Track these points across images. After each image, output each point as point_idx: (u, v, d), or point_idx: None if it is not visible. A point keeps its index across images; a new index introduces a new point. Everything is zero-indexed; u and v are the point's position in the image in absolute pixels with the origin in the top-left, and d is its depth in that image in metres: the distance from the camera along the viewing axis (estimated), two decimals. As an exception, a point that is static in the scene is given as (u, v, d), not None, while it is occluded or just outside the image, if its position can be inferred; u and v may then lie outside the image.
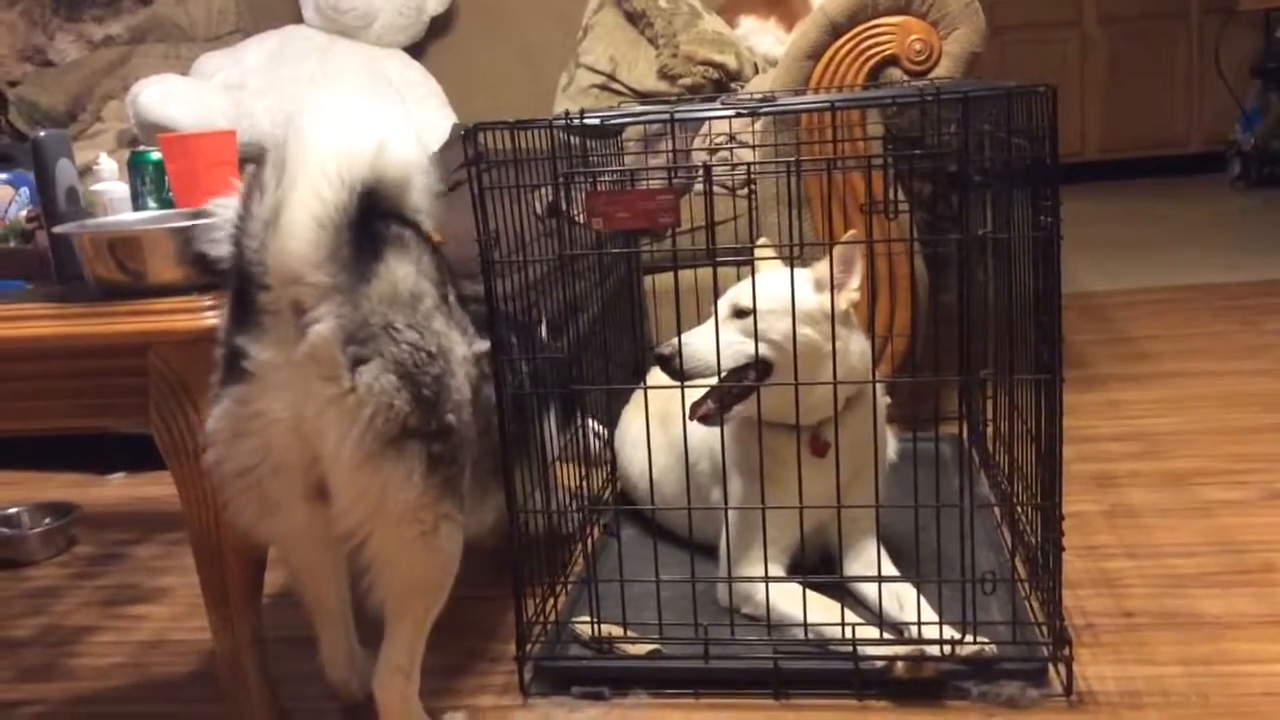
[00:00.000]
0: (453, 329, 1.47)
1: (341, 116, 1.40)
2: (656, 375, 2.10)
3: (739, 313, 1.71)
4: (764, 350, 1.69)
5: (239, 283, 1.37)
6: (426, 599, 1.50)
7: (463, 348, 1.49)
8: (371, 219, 1.37)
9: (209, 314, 1.45)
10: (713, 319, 1.73)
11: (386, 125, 1.42)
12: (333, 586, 1.63)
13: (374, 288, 1.36)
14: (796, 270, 1.70)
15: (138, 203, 2.04)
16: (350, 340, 1.34)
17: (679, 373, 1.69)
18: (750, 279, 1.71)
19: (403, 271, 1.40)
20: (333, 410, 1.35)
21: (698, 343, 1.69)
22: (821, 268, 1.70)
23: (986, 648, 1.56)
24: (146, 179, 2.05)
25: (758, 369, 1.70)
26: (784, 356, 1.66)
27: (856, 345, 1.74)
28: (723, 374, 1.70)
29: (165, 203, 2.01)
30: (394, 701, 1.51)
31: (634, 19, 3.05)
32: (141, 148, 2.12)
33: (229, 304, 1.40)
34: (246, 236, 1.34)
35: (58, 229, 1.60)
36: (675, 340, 1.70)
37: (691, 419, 1.75)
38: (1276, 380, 2.77)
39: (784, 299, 1.64)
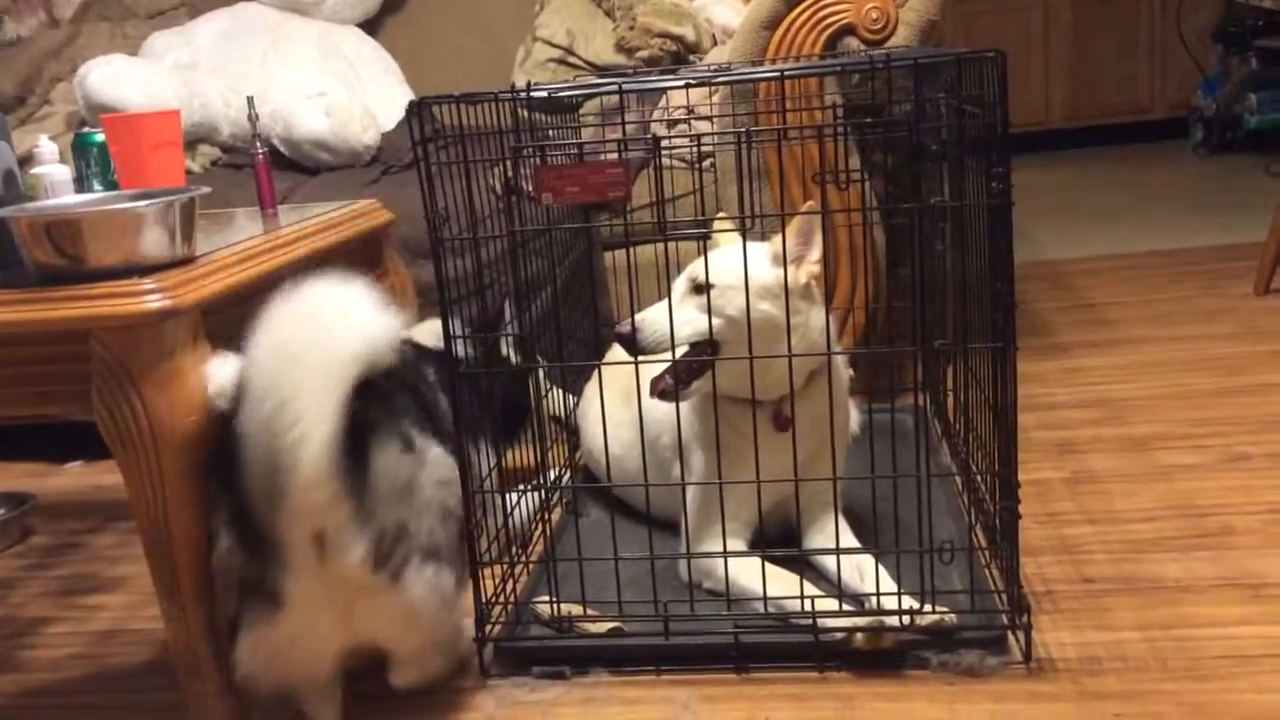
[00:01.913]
0: (436, 467, 1.51)
1: (317, 311, 1.36)
2: (617, 352, 2.09)
3: (697, 288, 1.69)
4: (720, 325, 1.67)
5: (240, 521, 1.38)
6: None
7: (447, 471, 1.55)
8: (353, 418, 1.35)
9: (151, 298, 1.42)
10: (672, 295, 1.71)
11: (356, 303, 1.39)
12: (333, 685, 1.58)
13: (376, 497, 1.39)
14: (755, 244, 1.69)
15: (83, 185, 2.01)
16: (385, 557, 1.40)
17: (638, 350, 1.68)
18: (710, 254, 1.69)
19: (389, 462, 1.43)
20: (393, 617, 1.45)
21: (657, 319, 1.68)
22: (779, 241, 1.69)
23: (946, 617, 1.56)
24: (91, 161, 2.02)
25: (712, 345, 1.69)
26: (741, 332, 1.65)
27: (817, 320, 1.73)
28: (680, 350, 1.68)
29: (111, 185, 1.98)
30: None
31: (590, -9, 3.02)
32: (86, 130, 2.08)
33: (227, 526, 1.41)
34: (248, 481, 1.34)
35: (-6, 214, 1.56)
36: (634, 318, 1.69)
37: (651, 395, 1.73)
38: (1237, 344, 2.78)
39: (741, 274, 1.62)
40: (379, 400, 1.43)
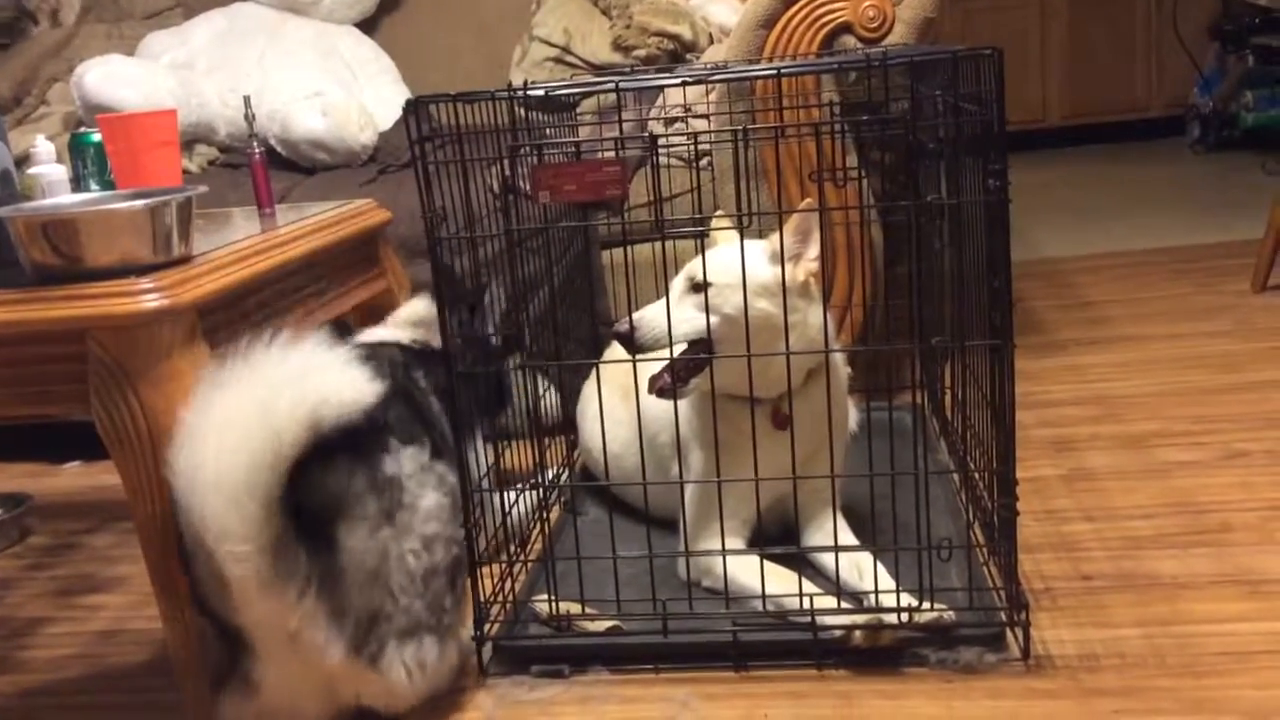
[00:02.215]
0: (424, 523, 1.47)
1: (221, 419, 1.29)
2: (615, 350, 2.09)
3: (695, 286, 1.69)
4: (717, 323, 1.67)
5: (212, 620, 1.40)
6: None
7: (434, 519, 1.50)
8: (306, 504, 1.33)
9: (147, 297, 1.42)
10: (671, 293, 1.72)
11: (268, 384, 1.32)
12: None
13: (348, 581, 1.37)
14: (752, 242, 1.69)
15: (80, 185, 2.01)
16: (361, 646, 1.39)
17: (636, 348, 1.68)
18: (708, 252, 1.70)
19: (358, 541, 1.40)
20: (377, 694, 1.45)
21: (655, 318, 1.68)
22: (777, 239, 1.69)
23: (944, 614, 1.56)
24: (88, 161, 2.02)
25: (709, 342, 1.69)
26: (739, 330, 1.64)
27: (815, 318, 1.73)
28: (679, 348, 1.68)
29: (107, 185, 1.98)
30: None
31: (587, -10, 3.02)
32: (82, 130, 2.08)
33: (208, 625, 1.42)
34: (210, 595, 1.36)
35: (-9, 213, 1.56)
36: (632, 316, 1.69)
37: (649, 393, 1.73)
38: (1234, 341, 2.78)
39: (739, 272, 1.62)
40: (340, 477, 1.38)
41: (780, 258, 1.66)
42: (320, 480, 1.35)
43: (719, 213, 1.92)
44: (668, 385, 1.71)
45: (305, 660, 1.38)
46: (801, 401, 1.74)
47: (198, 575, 1.35)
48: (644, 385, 1.73)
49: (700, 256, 1.70)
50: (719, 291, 1.66)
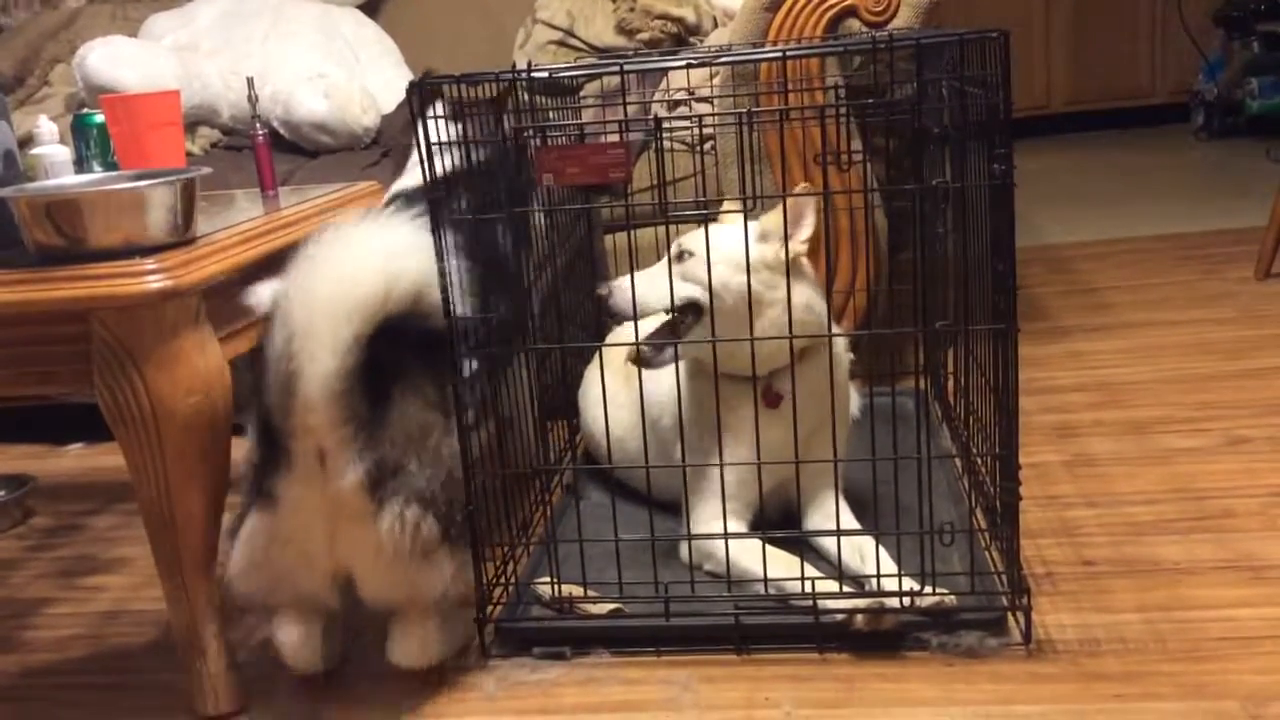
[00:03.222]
0: (451, 429, 1.55)
1: (343, 253, 1.42)
2: (617, 334, 2.09)
3: (680, 257, 1.72)
4: (696, 293, 1.69)
5: (263, 424, 1.47)
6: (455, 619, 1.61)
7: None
8: (380, 361, 1.43)
9: (151, 278, 1.42)
10: (659, 264, 1.73)
11: (393, 243, 1.45)
12: (316, 624, 1.62)
13: (388, 433, 1.45)
14: (734, 226, 1.69)
15: (82, 166, 2.00)
16: (375, 486, 1.45)
17: (611, 314, 1.71)
18: (705, 229, 1.70)
19: (411, 409, 1.49)
20: (366, 544, 1.48)
21: (637, 284, 1.69)
22: (769, 219, 1.71)
23: (945, 598, 1.56)
24: (91, 142, 2.02)
25: (693, 312, 1.71)
26: (717, 301, 1.67)
27: (801, 296, 1.72)
28: (657, 314, 1.71)
29: (110, 166, 1.98)
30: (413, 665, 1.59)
31: (591, -27, 3.01)
32: (85, 111, 2.08)
33: (255, 437, 1.50)
34: (268, 393, 1.43)
35: (-7, 194, 1.55)
36: (614, 281, 1.71)
37: (625, 361, 1.74)
38: (1238, 328, 2.78)
39: (722, 245, 1.64)
40: (417, 352, 1.50)
41: (771, 236, 1.68)
42: (403, 347, 1.47)
43: (728, 198, 1.91)
44: (646, 353, 1.73)
45: (326, 484, 1.45)
46: (795, 380, 1.74)
47: (269, 381, 1.42)
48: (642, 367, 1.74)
49: (693, 231, 1.72)
50: (699, 262, 1.67)
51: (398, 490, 1.47)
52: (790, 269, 1.70)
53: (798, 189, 1.68)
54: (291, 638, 1.60)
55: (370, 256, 1.42)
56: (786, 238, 1.67)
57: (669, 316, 1.72)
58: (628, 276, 1.70)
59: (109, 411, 1.46)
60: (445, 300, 1.54)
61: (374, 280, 1.40)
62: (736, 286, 1.67)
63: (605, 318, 1.71)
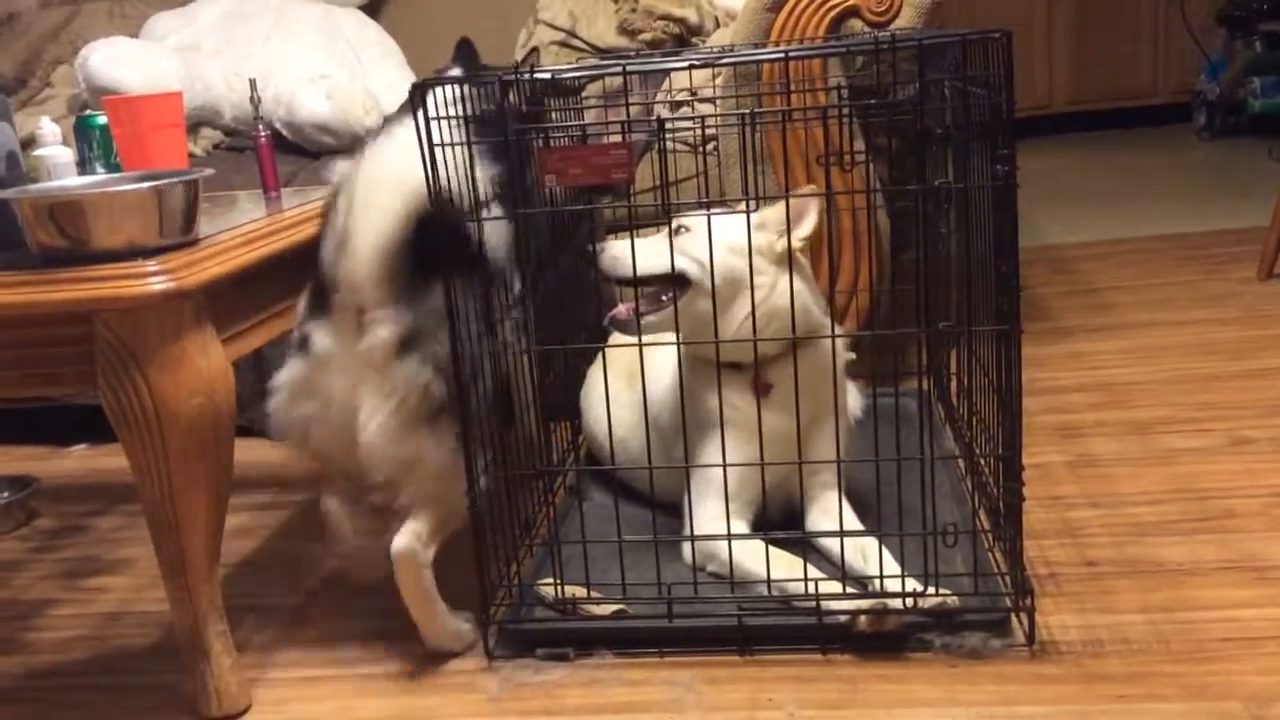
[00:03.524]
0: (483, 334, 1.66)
1: (407, 146, 1.54)
2: (620, 336, 2.09)
3: (677, 230, 1.74)
4: (686, 264, 1.71)
5: (315, 279, 1.63)
6: (451, 509, 1.65)
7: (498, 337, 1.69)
8: (429, 244, 1.55)
9: (154, 280, 1.42)
10: (657, 235, 1.76)
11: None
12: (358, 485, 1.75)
13: (425, 305, 1.57)
14: (736, 215, 1.71)
15: (85, 168, 2.00)
16: (399, 345, 1.57)
17: (600, 270, 1.74)
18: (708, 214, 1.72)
19: (442, 293, 1.57)
20: (375, 392, 1.59)
21: (625, 248, 1.71)
22: (768, 211, 1.73)
23: (949, 599, 1.56)
24: (93, 144, 2.02)
25: (678, 283, 1.73)
26: (704, 277, 1.69)
27: (785, 286, 1.72)
28: (640, 276, 1.73)
29: (113, 167, 1.98)
30: (407, 557, 1.63)
31: (593, -27, 3.01)
32: (88, 112, 2.08)
33: (307, 294, 1.66)
34: (324, 248, 1.60)
35: (-2, 195, 1.56)
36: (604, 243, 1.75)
37: (604, 323, 1.78)
38: (1240, 328, 2.78)
39: (719, 227, 1.67)
40: (457, 249, 1.59)
41: (766, 227, 1.71)
42: (445, 240, 1.56)
43: (731, 198, 1.92)
44: (621, 315, 1.75)
45: (358, 338, 1.59)
46: (787, 370, 1.73)
47: (327, 239, 1.60)
48: (654, 364, 1.74)
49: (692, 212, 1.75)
50: (693, 237, 1.70)
51: (417, 352, 1.58)
52: (784, 262, 1.71)
53: (802, 190, 1.68)
54: (330, 506, 1.77)
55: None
56: (789, 231, 1.69)
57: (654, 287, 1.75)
58: (620, 241, 1.73)
59: (112, 413, 1.46)
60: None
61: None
62: (726, 267, 1.69)
63: (593, 272, 1.75)
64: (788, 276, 1.72)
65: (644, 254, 1.72)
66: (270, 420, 1.73)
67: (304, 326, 1.66)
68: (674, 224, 1.75)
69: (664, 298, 1.75)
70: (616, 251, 1.73)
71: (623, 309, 1.76)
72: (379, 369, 1.59)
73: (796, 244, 1.72)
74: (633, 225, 1.67)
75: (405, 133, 1.56)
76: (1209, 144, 5.57)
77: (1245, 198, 4.17)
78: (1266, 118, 5.32)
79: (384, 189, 1.55)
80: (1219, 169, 5.01)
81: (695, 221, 1.73)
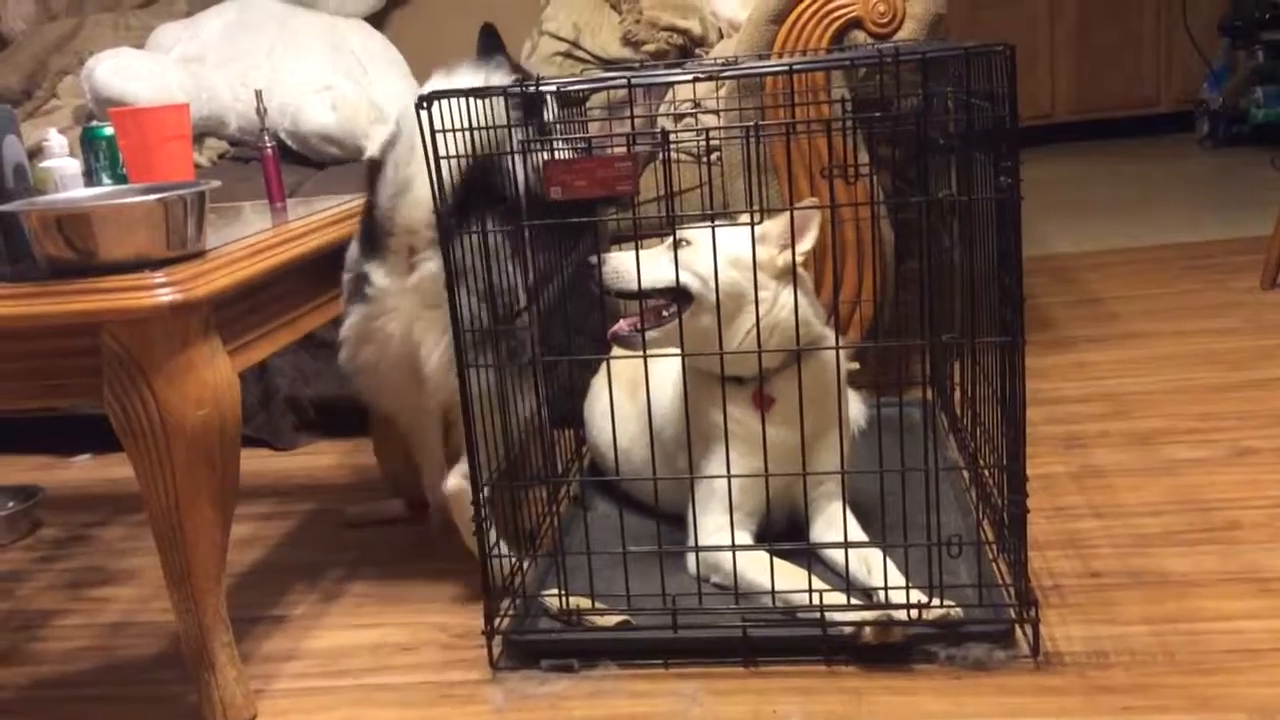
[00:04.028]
0: (517, 266, 1.78)
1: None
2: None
3: (677, 243, 1.73)
4: (687, 279, 1.71)
5: (369, 225, 1.78)
6: (493, 445, 1.74)
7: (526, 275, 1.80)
8: (472, 190, 1.65)
9: (161, 291, 1.42)
10: (658, 248, 1.76)
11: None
12: (433, 435, 2.00)
13: (467, 243, 1.67)
14: (737, 227, 1.71)
15: (92, 179, 2.01)
16: (448, 279, 1.64)
17: (600, 286, 1.73)
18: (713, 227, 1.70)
19: (489, 239, 1.70)
20: (431, 329, 1.76)
21: (626, 261, 1.71)
22: (770, 224, 1.73)
23: (953, 611, 1.56)
24: (100, 155, 2.03)
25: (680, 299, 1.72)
26: (706, 291, 1.69)
27: (787, 299, 1.73)
28: (643, 291, 1.73)
29: (120, 179, 1.99)
30: (461, 493, 1.76)
31: (597, -15, 3.02)
32: (94, 123, 2.09)
33: (359, 241, 1.81)
34: (380, 195, 1.74)
35: (4, 207, 1.56)
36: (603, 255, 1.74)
37: (608, 339, 1.77)
38: (1243, 339, 2.78)
39: (721, 240, 1.66)
40: (497, 198, 1.70)
41: (769, 240, 1.71)
42: (488, 189, 1.68)
43: (735, 210, 1.92)
44: (623, 330, 1.75)
45: (411, 276, 1.76)
46: (789, 384, 1.73)
47: (383, 186, 1.74)
48: (657, 376, 1.74)
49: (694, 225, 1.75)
50: (695, 251, 1.70)
51: (463, 284, 1.66)
52: (786, 275, 1.71)
53: (804, 202, 1.69)
54: (428, 481, 2.01)
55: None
56: (794, 244, 1.69)
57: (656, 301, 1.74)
58: (620, 253, 1.73)
59: (119, 423, 1.47)
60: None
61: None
62: (729, 281, 1.69)
63: (593, 286, 1.74)
64: (789, 290, 1.72)
65: (646, 267, 1.72)
66: (341, 369, 1.91)
67: (360, 269, 1.80)
68: (675, 236, 1.75)
69: (666, 312, 1.74)
70: (618, 265, 1.73)
71: (624, 324, 1.76)
72: (431, 305, 1.74)
73: (800, 259, 1.72)
74: (638, 236, 1.67)
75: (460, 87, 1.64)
76: (1211, 153, 5.58)
77: (1248, 207, 4.17)
78: (1269, 127, 5.32)
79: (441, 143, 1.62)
80: (1222, 178, 5.01)
81: (697, 235, 1.73)
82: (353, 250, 1.83)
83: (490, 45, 2.00)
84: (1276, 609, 1.60)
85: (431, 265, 1.72)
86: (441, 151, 1.57)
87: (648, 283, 1.72)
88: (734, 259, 1.69)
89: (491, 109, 1.64)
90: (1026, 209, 1.53)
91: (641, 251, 1.72)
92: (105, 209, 1.47)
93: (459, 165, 1.62)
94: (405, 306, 1.78)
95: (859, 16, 2.36)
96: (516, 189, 1.72)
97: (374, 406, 2.02)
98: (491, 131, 1.66)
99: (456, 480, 1.79)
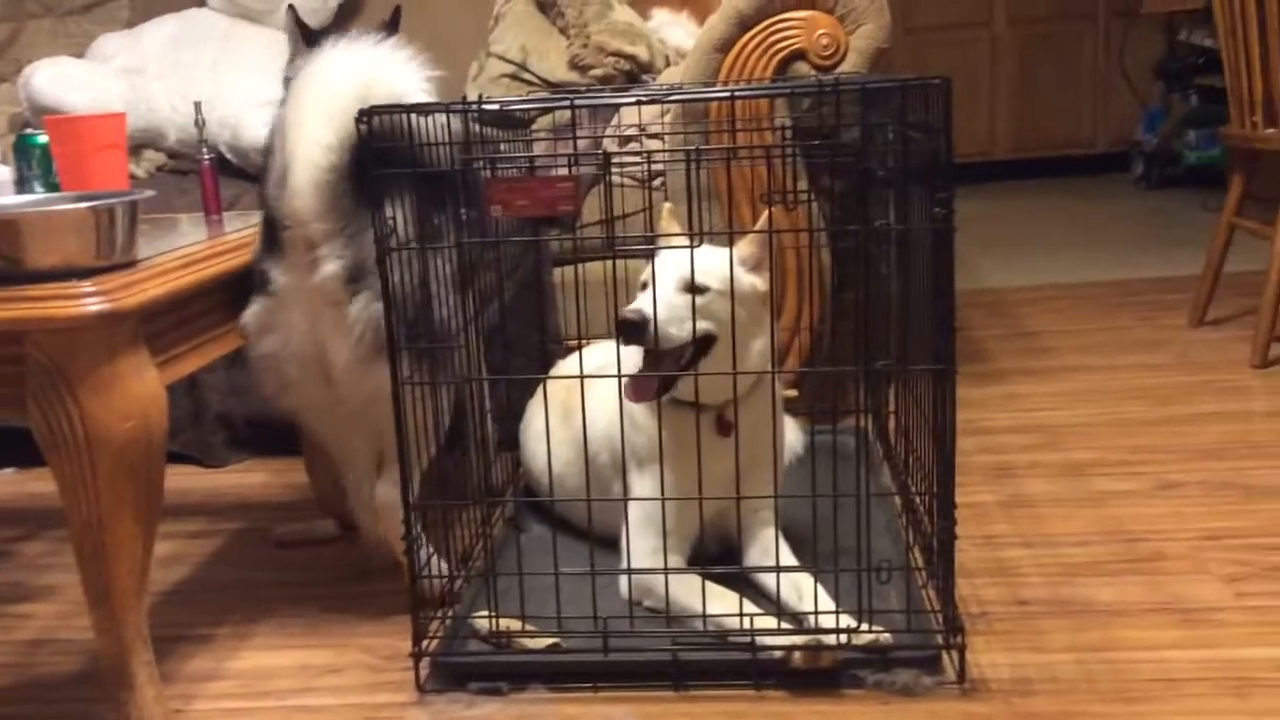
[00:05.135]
0: (436, 257, 1.72)
1: (331, 68, 1.62)
2: (559, 368, 2.09)
3: (687, 288, 1.67)
4: (713, 328, 1.69)
5: (266, 217, 1.70)
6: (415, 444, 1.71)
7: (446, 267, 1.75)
8: (367, 169, 1.59)
9: (89, 301, 1.40)
10: (653, 291, 1.68)
11: (374, 64, 1.64)
12: (358, 451, 1.91)
13: (367, 238, 1.59)
14: (722, 250, 1.71)
15: (24, 187, 1.98)
16: (350, 279, 1.64)
17: (651, 343, 1.65)
18: (690, 253, 1.67)
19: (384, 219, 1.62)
20: (337, 329, 1.69)
21: (662, 314, 1.65)
22: (742, 249, 1.73)
23: (882, 636, 1.57)
24: (33, 163, 2.00)
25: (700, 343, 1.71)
26: (724, 332, 1.69)
27: (766, 329, 1.75)
28: (684, 347, 1.69)
29: (52, 187, 1.96)
30: (390, 503, 1.75)
31: (545, 8, 3.03)
32: (28, 131, 2.06)
33: (261, 232, 1.74)
34: (268, 185, 1.68)
35: (-70, 212, 1.53)
36: (640, 307, 1.65)
37: (634, 400, 1.72)
38: (1172, 374, 2.84)
39: (726, 278, 1.67)
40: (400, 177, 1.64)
41: (750, 267, 1.72)
42: (386, 166, 1.60)
43: (668, 205, 1.89)
44: (655, 392, 1.69)
45: (311, 273, 1.67)
46: (744, 411, 1.75)
47: (270, 175, 1.68)
48: (592, 401, 1.73)
49: (681, 257, 1.69)
50: (714, 298, 1.68)
51: (370, 286, 1.64)
52: (764, 299, 1.73)
53: (760, 222, 1.70)
54: (353, 499, 1.94)
55: (351, 71, 1.62)
56: (752, 266, 1.71)
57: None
58: (647, 304, 1.65)
59: (42, 436, 1.44)
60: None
61: (352, 90, 1.58)
62: (742, 321, 1.70)
63: (630, 342, 1.67)
64: (768, 318, 1.74)
65: (678, 323, 1.66)
66: (252, 369, 1.83)
67: (261, 264, 1.73)
68: (679, 280, 1.68)
69: (685, 358, 1.70)
70: (666, 316, 1.65)
71: (644, 383, 1.70)
72: (335, 305, 1.67)
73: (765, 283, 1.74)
74: (578, 259, 1.67)
75: (326, 65, 1.61)
76: (1145, 194, 5.71)
77: (1179, 246, 4.27)
78: (1201, 169, 5.46)
79: (313, 116, 1.59)
80: (1154, 218, 5.13)
81: (708, 278, 1.68)
82: (256, 244, 1.77)
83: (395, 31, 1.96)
84: (1198, 639, 1.63)
85: (332, 266, 1.65)
86: (324, 124, 1.54)
87: (683, 338, 1.68)
88: (742, 296, 1.69)
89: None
90: (964, 243, 1.56)
91: (666, 302, 1.66)
92: (33, 216, 1.45)
93: (343, 140, 1.57)
94: (308, 303, 1.72)
95: (803, 48, 2.39)
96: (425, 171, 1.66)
97: (277, 404, 1.89)
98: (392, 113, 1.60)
99: (386, 489, 1.77)
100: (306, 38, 1.98)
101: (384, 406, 1.65)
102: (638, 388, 1.70)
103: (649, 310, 1.64)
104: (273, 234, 1.69)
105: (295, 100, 1.62)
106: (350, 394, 1.75)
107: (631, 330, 1.64)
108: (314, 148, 1.58)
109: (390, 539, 1.79)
